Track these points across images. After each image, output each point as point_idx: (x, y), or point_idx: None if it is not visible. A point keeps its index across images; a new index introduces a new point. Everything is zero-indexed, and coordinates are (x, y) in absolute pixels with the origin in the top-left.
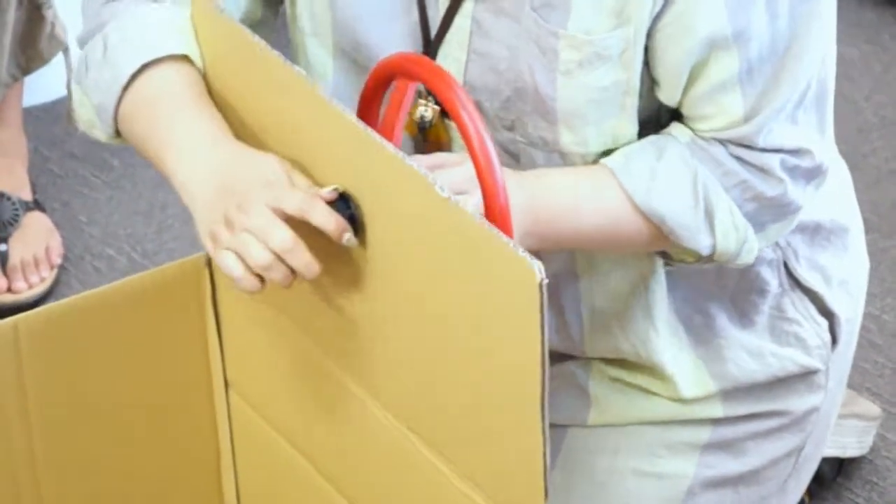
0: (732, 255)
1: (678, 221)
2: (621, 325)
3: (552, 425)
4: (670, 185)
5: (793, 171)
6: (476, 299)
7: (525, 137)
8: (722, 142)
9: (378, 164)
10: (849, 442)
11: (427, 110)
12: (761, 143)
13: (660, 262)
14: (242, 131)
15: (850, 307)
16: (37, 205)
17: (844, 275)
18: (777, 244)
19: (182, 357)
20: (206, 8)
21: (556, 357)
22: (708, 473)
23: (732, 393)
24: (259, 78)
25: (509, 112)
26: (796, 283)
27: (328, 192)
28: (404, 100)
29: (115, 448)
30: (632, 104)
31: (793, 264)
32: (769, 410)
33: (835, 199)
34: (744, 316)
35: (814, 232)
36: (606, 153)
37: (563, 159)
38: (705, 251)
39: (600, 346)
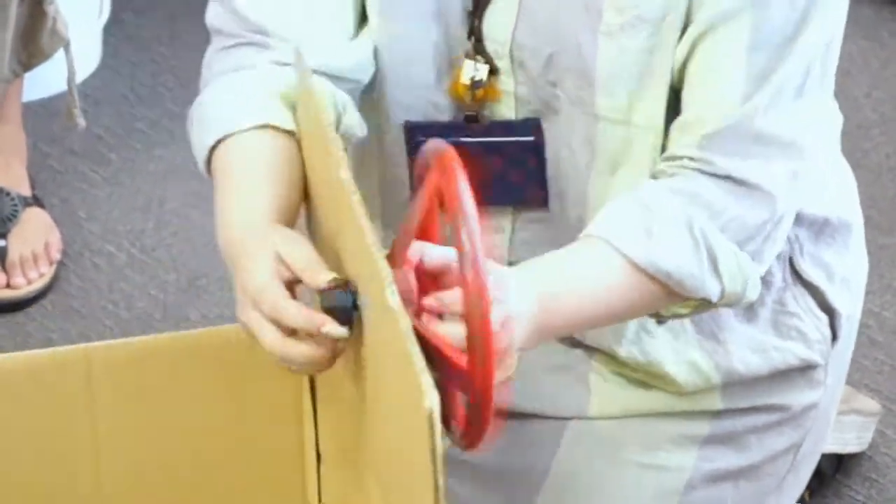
0: (739, 295)
1: (684, 272)
2: (614, 331)
3: (553, 418)
4: (668, 237)
5: (782, 177)
6: (400, 412)
7: (566, 94)
8: (709, 164)
9: (363, 258)
10: (848, 438)
11: (479, 71)
12: (756, 125)
13: None
14: (311, 196)
15: (851, 304)
16: (36, 200)
17: (846, 272)
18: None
19: (273, 420)
20: (301, 75)
21: (560, 349)
22: (708, 467)
23: (732, 386)
24: (318, 149)
25: (551, 71)
26: (798, 277)
27: (325, 282)
28: (429, 187)
29: (188, 500)
30: (666, 79)
31: (797, 259)
32: (769, 404)
33: (840, 196)
34: (748, 309)
35: (821, 228)
36: (638, 128)
37: (597, 123)
38: (714, 297)
39: (596, 345)
